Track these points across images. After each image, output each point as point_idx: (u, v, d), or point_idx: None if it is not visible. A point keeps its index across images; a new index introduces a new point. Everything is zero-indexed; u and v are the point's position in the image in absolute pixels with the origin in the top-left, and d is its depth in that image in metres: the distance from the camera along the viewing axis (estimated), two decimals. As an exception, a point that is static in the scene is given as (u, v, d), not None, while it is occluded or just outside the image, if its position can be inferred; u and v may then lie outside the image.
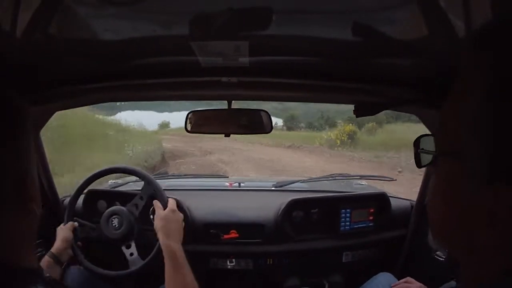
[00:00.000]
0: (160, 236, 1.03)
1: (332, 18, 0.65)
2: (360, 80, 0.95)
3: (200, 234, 1.38)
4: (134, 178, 1.60)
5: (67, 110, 1.35)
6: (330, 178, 1.85)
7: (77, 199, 1.32)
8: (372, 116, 1.19)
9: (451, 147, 0.34)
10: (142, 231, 1.23)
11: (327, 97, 1.25)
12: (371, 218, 1.50)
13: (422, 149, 0.48)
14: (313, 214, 1.47)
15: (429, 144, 0.45)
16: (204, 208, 1.47)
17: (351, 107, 1.12)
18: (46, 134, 3.31)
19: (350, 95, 1.07)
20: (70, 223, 1.21)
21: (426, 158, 0.44)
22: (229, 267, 1.44)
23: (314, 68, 0.92)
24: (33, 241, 0.46)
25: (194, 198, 1.54)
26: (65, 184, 3.91)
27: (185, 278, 0.94)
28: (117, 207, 1.23)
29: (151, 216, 1.37)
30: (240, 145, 13.74)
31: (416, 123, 9.43)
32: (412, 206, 1.57)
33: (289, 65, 0.90)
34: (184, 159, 10.39)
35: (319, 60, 0.88)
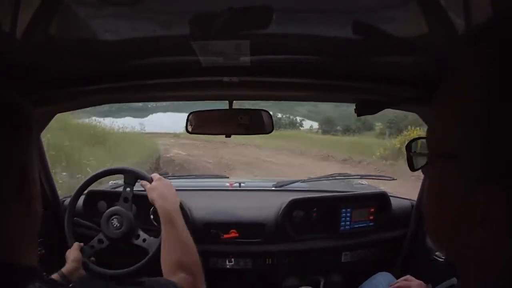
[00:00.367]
0: (157, 203, 1.05)
1: (332, 16, 0.65)
2: (361, 79, 0.95)
3: (200, 234, 1.38)
4: None
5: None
6: (330, 178, 1.84)
7: (78, 199, 1.32)
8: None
9: (444, 147, 0.34)
10: (144, 230, 1.23)
11: (328, 96, 1.25)
12: (371, 217, 1.49)
13: (415, 152, 0.48)
14: (313, 214, 1.47)
15: (421, 147, 0.45)
16: (205, 208, 1.47)
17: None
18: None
19: (351, 94, 1.07)
20: (76, 243, 1.21)
21: (420, 161, 0.44)
22: (228, 266, 1.44)
23: (315, 67, 0.92)
24: (34, 240, 0.46)
25: (195, 198, 1.54)
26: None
27: (180, 234, 0.96)
28: (117, 207, 1.23)
29: (151, 216, 1.38)
30: (273, 155, 10.29)
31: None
32: (412, 206, 1.56)
33: (290, 64, 0.90)
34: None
35: (320, 59, 0.88)
